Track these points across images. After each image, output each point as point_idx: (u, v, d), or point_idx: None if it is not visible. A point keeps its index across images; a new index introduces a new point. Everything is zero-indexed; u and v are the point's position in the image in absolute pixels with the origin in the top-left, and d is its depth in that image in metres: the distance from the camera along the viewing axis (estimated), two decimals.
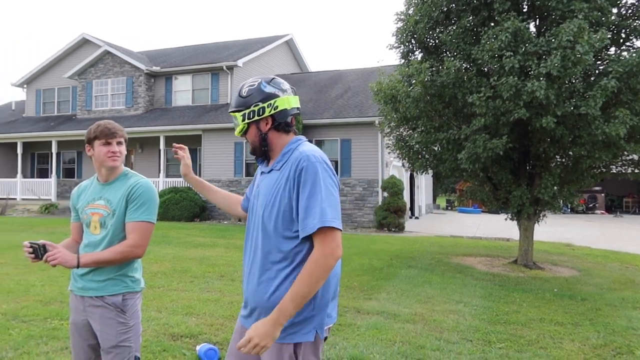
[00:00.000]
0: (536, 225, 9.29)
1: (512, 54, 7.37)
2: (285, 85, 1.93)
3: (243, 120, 1.90)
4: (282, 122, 1.90)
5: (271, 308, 1.74)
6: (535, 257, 9.52)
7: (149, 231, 2.36)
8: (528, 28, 7.63)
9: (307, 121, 16.35)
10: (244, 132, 1.94)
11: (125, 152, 2.48)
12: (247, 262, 1.94)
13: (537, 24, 8.47)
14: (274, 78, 1.94)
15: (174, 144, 2.34)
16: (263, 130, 1.91)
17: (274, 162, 1.92)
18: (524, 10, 8.40)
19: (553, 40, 7.27)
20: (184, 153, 2.30)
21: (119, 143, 2.42)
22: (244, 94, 1.91)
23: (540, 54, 7.47)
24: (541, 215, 9.24)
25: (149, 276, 6.83)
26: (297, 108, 1.95)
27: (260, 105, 1.87)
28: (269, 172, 1.93)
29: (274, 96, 1.88)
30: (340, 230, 1.73)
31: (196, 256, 9.19)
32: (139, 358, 2.42)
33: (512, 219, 9.43)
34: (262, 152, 1.94)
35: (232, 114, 1.96)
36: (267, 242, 1.83)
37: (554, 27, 7.63)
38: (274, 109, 1.88)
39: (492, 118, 7.74)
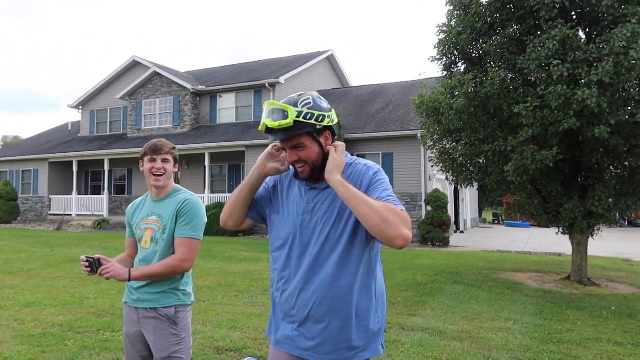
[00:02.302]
0: (590, 239, 8.89)
1: (560, 62, 7.15)
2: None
3: (298, 116, 1.69)
4: (335, 137, 1.87)
5: (343, 307, 1.74)
6: (590, 273, 9.09)
7: (196, 247, 2.42)
8: (577, 35, 7.40)
9: (348, 135, 16.37)
10: (296, 146, 1.76)
11: (175, 170, 2.52)
12: (300, 281, 1.80)
13: (587, 31, 8.20)
14: (316, 93, 1.86)
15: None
16: (326, 144, 1.80)
17: None
18: (573, 17, 8.15)
19: (604, 46, 7.02)
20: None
21: (165, 160, 2.47)
22: (302, 101, 1.75)
23: (591, 61, 7.21)
24: (595, 229, 8.84)
25: (194, 290, 6.95)
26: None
27: (320, 113, 1.74)
28: (325, 187, 1.80)
29: (329, 109, 1.80)
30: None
31: (240, 271, 9.30)
32: None
33: (564, 233, 9.06)
34: (321, 171, 1.78)
35: (281, 106, 1.71)
36: (345, 256, 1.76)
37: (605, 33, 7.36)
38: (332, 121, 1.79)
39: (540, 129, 7.50)
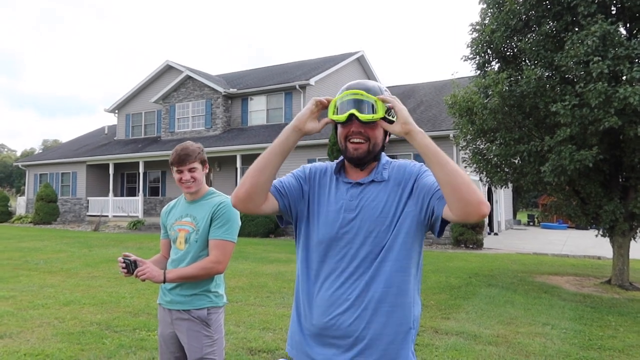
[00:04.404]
0: (632, 242, 8.56)
1: (600, 58, 6.91)
2: None
3: (387, 113, 1.58)
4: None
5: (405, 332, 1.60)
6: (632, 277, 8.75)
7: (230, 249, 2.43)
8: (618, 31, 7.14)
9: None
10: (369, 124, 1.60)
11: (205, 171, 2.53)
12: (351, 292, 1.59)
13: (628, 26, 7.90)
14: (363, 83, 1.70)
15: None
16: (386, 139, 1.70)
17: (371, 172, 1.68)
18: (613, 12, 7.86)
19: None
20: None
21: (191, 169, 2.45)
22: (379, 89, 1.63)
23: (633, 57, 6.94)
24: (638, 231, 8.50)
25: (227, 291, 7.02)
26: None
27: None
28: (370, 182, 1.66)
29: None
30: None
31: (272, 272, 9.35)
32: None
33: (603, 236, 8.76)
34: (374, 159, 1.68)
35: (371, 98, 1.58)
36: (397, 262, 1.60)
37: None
38: (394, 117, 1.61)
39: (579, 128, 7.27)
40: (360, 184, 1.66)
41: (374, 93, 1.59)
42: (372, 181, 1.66)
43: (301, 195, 1.72)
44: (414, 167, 1.67)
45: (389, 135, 1.70)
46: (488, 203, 1.43)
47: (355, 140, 1.62)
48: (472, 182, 1.42)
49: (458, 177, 1.41)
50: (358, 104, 1.57)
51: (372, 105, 1.57)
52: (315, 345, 1.63)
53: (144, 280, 2.30)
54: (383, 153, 1.72)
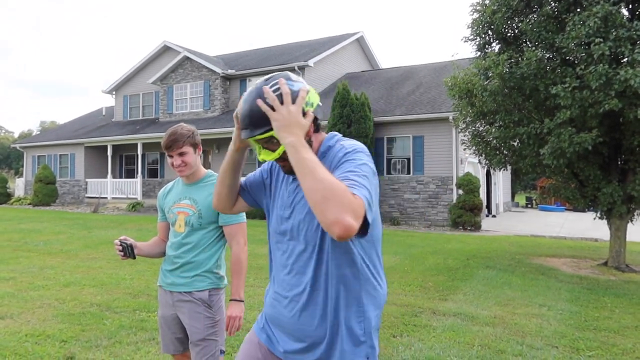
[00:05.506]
0: (629, 224, 8.60)
1: (601, 40, 6.85)
2: (300, 77, 1.55)
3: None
4: (318, 120, 1.54)
5: (356, 336, 1.51)
6: (629, 259, 8.81)
7: (245, 228, 2.51)
8: (620, 12, 7.07)
9: (378, 118, 16.21)
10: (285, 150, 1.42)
11: (197, 155, 2.49)
12: (290, 290, 1.58)
13: (630, 7, 7.81)
14: (287, 73, 1.52)
15: None
16: (307, 136, 1.50)
17: None
18: None
19: None
20: None
21: (181, 154, 2.42)
22: (272, 86, 1.45)
23: (635, 39, 6.89)
24: (635, 213, 8.55)
25: (226, 273, 7.08)
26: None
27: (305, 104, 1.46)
28: None
29: (305, 92, 1.45)
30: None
31: None
32: (223, 351, 2.51)
33: (601, 218, 8.80)
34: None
35: (262, 137, 1.47)
36: (335, 261, 1.51)
37: None
38: (311, 106, 1.47)
39: (579, 110, 7.24)
40: (296, 179, 1.57)
41: (262, 118, 1.43)
42: None
43: (263, 188, 1.74)
44: (336, 158, 1.50)
45: (316, 123, 1.54)
46: (349, 222, 1.22)
47: (280, 163, 1.56)
48: (340, 194, 1.24)
49: (311, 195, 1.27)
50: (261, 144, 1.52)
51: (270, 139, 1.48)
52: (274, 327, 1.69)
53: (238, 330, 2.47)
54: (328, 136, 1.61)
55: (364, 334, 1.53)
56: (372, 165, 1.47)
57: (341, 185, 1.27)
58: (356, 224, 1.24)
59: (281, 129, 1.36)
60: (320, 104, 1.55)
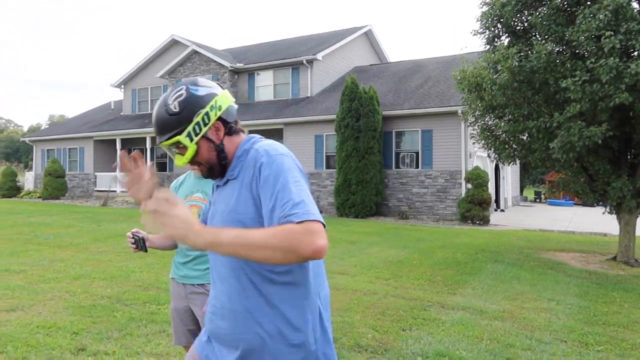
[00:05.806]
0: (639, 219, 8.54)
1: (612, 33, 6.78)
2: (212, 82, 1.59)
3: (192, 140, 1.48)
4: (232, 123, 1.55)
5: (263, 346, 1.44)
6: (638, 254, 8.76)
7: None
8: (631, 5, 6.99)
9: (386, 112, 16.16)
10: (195, 155, 1.51)
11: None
12: (221, 295, 1.54)
13: None
14: (195, 79, 1.58)
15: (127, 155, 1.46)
16: (217, 140, 1.52)
17: (227, 171, 1.57)
18: None
19: None
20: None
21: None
22: (175, 109, 1.49)
23: None
24: None
25: None
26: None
27: (202, 111, 1.48)
28: (224, 184, 1.57)
29: (212, 96, 1.51)
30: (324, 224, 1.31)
31: None
32: None
33: (610, 213, 8.75)
34: (223, 168, 1.55)
35: (167, 143, 1.51)
36: (238, 267, 1.47)
37: None
38: (219, 109, 1.51)
39: (589, 104, 7.18)
40: (217, 186, 1.62)
41: (166, 125, 1.51)
42: (228, 181, 1.56)
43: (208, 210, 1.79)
44: (254, 166, 1.46)
45: (227, 125, 1.55)
46: (319, 244, 1.25)
47: (195, 168, 1.60)
48: (294, 235, 1.24)
49: (273, 260, 1.28)
50: (173, 150, 1.56)
51: (176, 144, 1.52)
52: None
53: None
54: (245, 139, 1.58)
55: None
56: (294, 161, 1.45)
57: (284, 229, 1.25)
58: (323, 239, 1.26)
59: (185, 239, 1.29)
60: (236, 105, 1.59)
